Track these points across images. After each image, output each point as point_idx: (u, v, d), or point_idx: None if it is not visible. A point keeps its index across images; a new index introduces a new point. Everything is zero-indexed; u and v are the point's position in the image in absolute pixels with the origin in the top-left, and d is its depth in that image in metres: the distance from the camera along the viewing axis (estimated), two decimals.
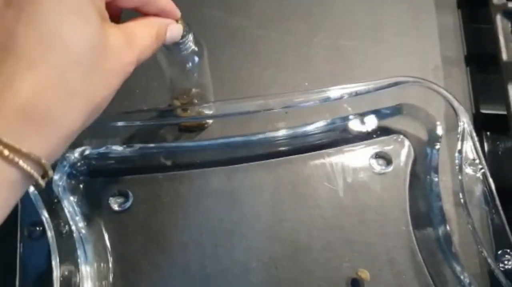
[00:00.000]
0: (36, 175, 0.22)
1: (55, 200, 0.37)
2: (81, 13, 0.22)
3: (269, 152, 0.41)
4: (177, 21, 0.31)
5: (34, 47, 0.21)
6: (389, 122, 0.41)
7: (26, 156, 0.21)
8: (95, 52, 0.22)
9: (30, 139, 0.21)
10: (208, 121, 0.41)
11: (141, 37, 0.26)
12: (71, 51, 0.21)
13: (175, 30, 0.30)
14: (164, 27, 0.29)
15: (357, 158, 0.40)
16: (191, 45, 0.34)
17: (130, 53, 0.25)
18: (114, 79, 0.24)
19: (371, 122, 0.41)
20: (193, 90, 0.39)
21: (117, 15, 0.28)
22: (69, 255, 0.36)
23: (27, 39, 0.21)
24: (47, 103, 0.21)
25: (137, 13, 0.28)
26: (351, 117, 0.41)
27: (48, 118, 0.21)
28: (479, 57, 0.44)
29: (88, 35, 0.22)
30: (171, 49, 0.34)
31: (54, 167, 0.38)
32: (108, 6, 0.25)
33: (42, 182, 0.22)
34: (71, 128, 0.22)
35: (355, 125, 0.41)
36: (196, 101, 0.40)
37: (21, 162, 0.20)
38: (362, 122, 0.41)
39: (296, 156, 0.40)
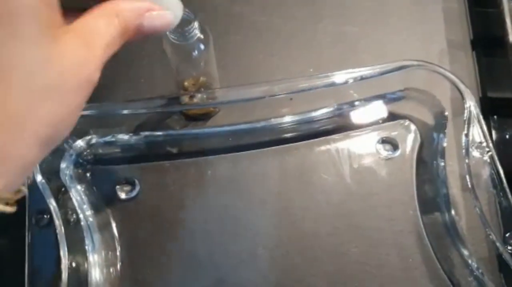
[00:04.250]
0: (2, 206, 0.21)
1: (63, 189, 0.37)
2: (24, 34, 0.19)
3: (275, 138, 0.41)
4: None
5: None
6: (395, 107, 0.41)
7: None
8: (44, 74, 0.20)
9: None
10: (215, 109, 0.41)
11: (101, 34, 0.22)
12: (13, 77, 0.19)
13: (157, 18, 0.24)
14: (134, 14, 0.23)
15: (363, 143, 0.40)
16: (196, 32, 0.34)
17: (91, 62, 0.22)
18: (74, 97, 0.21)
19: (377, 107, 0.41)
20: (201, 78, 0.39)
21: None
22: (77, 244, 0.36)
23: None
24: None
25: None
26: (356, 102, 0.41)
27: None
28: (486, 41, 0.44)
29: (33, 56, 0.20)
30: (176, 37, 0.34)
31: (61, 156, 0.39)
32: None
33: (9, 209, 0.21)
34: (25, 158, 0.21)
35: (360, 110, 0.41)
36: (203, 89, 0.39)
37: None
38: (368, 108, 0.41)
39: (302, 142, 0.40)
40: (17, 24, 0.19)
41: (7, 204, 0.21)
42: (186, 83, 0.39)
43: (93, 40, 0.22)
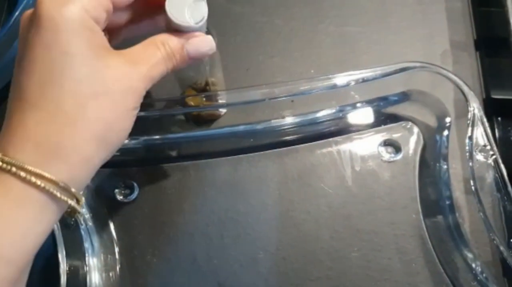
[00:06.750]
0: (70, 200, 0.24)
1: None
2: (72, 51, 0.24)
3: (275, 141, 0.40)
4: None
5: (33, 89, 0.24)
6: (398, 109, 0.41)
7: (51, 181, 0.23)
8: (90, 80, 0.24)
9: (49, 167, 0.23)
10: (220, 112, 0.41)
11: (146, 56, 0.27)
12: (64, 84, 0.24)
13: (200, 42, 0.29)
14: (179, 42, 0.28)
15: (365, 146, 0.40)
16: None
17: (133, 74, 0.26)
18: (121, 99, 0.25)
19: (379, 109, 0.41)
20: (211, 79, 0.39)
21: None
22: (75, 247, 0.36)
23: (28, 85, 0.24)
24: (51, 132, 0.23)
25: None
26: (358, 104, 0.40)
27: (56, 146, 0.23)
28: (489, 41, 0.43)
29: (81, 67, 0.24)
30: None
31: None
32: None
33: (79, 207, 0.25)
34: (83, 152, 0.24)
35: (362, 113, 0.40)
36: (209, 89, 0.39)
37: (47, 186, 0.23)
38: (370, 110, 0.40)
39: (303, 145, 0.40)
40: (65, 43, 0.24)
41: (77, 202, 0.24)
42: (194, 84, 0.39)
43: (137, 60, 0.26)
